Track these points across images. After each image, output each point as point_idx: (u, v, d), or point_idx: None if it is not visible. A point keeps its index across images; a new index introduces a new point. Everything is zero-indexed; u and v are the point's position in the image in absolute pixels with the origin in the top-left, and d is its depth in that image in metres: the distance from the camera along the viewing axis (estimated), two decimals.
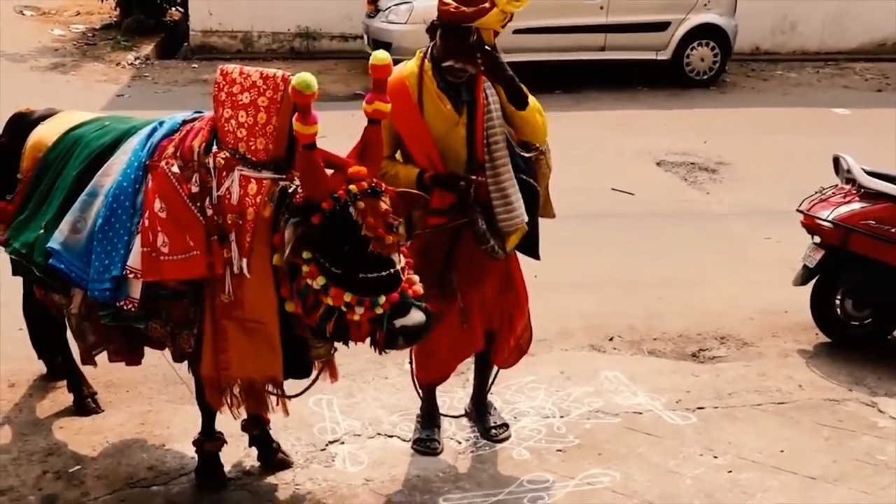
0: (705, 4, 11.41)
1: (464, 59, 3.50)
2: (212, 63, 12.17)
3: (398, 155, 3.73)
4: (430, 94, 3.60)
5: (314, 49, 12.92)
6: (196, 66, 12.22)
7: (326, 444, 4.08)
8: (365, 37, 11.84)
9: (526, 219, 3.73)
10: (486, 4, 3.47)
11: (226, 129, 3.29)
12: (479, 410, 4.22)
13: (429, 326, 3.19)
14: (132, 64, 12.32)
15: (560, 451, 4.10)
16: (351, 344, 3.37)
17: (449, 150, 3.63)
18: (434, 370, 4.02)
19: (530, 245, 3.90)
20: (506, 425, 4.19)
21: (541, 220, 3.95)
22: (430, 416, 4.16)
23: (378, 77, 3.19)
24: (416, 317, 3.12)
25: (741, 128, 9.66)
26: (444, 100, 3.61)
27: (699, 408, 4.47)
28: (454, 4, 3.47)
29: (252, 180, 3.22)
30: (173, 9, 14.64)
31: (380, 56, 3.21)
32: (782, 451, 4.12)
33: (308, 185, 3.10)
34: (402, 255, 3.20)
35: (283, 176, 3.23)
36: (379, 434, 4.19)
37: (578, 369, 4.79)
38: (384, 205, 3.09)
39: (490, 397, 4.30)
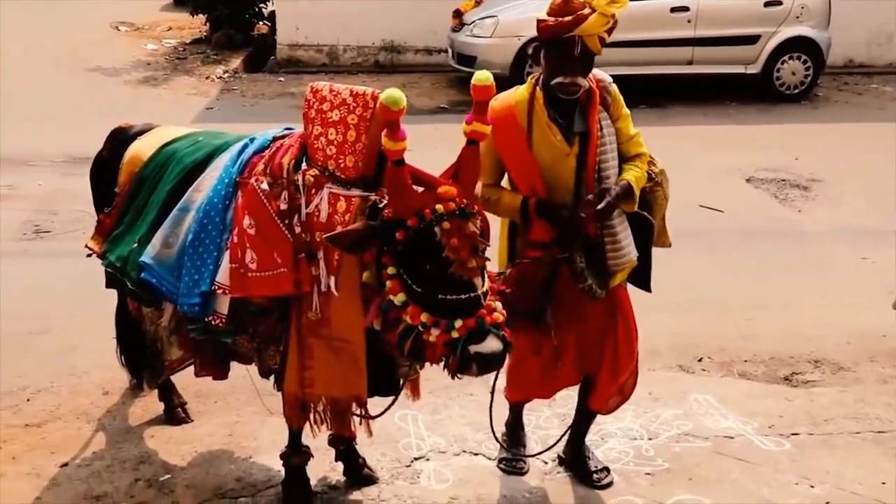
0: (798, 17, 11.14)
1: (572, 73, 3.38)
2: (298, 76, 12.40)
3: (505, 182, 3.65)
4: (539, 123, 3.48)
5: (398, 63, 13.04)
6: (283, 79, 12.44)
7: (412, 461, 4.07)
8: (449, 50, 11.90)
9: (635, 256, 3.61)
10: (585, 10, 3.34)
11: (315, 146, 3.31)
12: (576, 456, 4.00)
13: (504, 356, 3.08)
14: (221, 77, 12.60)
15: (649, 474, 4.01)
16: (428, 364, 3.32)
17: (557, 181, 3.50)
18: (525, 392, 3.95)
19: (642, 277, 3.77)
20: (607, 469, 3.97)
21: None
22: (516, 435, 4.10)
23: (480, 98, 3.09)
24: (491, 345, 3.01)
25: (834, 144, 9.38)
26: (554, 130, 3.48)
27: (793, 434, 4.32)
28: (552, 19, 3.38)
29: (341, 198, 3.22)
30: (261, 23, 14.97)
31: (482, 77, 3.09)
32: (884, 483, 3.95)
33: (395, 201, 3.07)
34: (486, 280, 3.12)
35: (372, 194, 3.22)
36: (464, 451, 4.15)
37: (667, 390, 4.68)
38: (472, 227, 3.02)
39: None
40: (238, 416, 4.40)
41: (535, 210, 3.47)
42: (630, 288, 3.81)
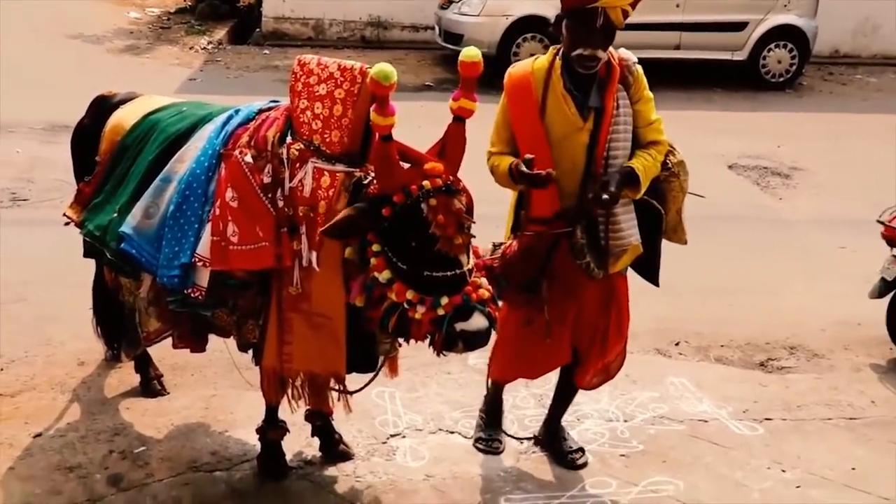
0: (785, 5, 11.18)
1: (592, 44, 3.29)
2: (283, 49, 12.30)
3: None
4: (555, 93, 3.41)
5: (385, 38, 12.96)
6: (267, 52, 12.35)
7: (388, 438, 4.07)
8: (437, 28, 11.84)
9: (636, 241, 3.53)
10: None
11: (301, 119, 3.28)
12: (553, 435, 4.01)
13: (490, 333, 3.08)
14: (205, 48, 12.49)
15: (623, 455, 4.03)
16: (413, 341, 3.32)
17: (566, 156, 3.42)
18: (512, 371, 3.91)
19: (650, 270, 3.70)
20: (582, 450, 3.98)
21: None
22: (494, 415, 4.09)
23: (467, 75, 3.06)
24: (477, 322, 3.01)
25: (817, 133, 9.43)
26: (568, 101, 3.40)
27: (767, 419, 4.36)
28: None
29: (325, 173, 3.20)
30: None
31: (470, 53, 3.07)
32: (854, 469, 3.99)
33: (382, 177, 3.05)
34: (471, 257, 3.12)
35: (357, 169, 3.20)
36: (440, 430, 4.16)
37: (644, 373, 4.71)
38: (458, 203, 3.01)
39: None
40: (215, 389, 4.39)
41: (516, 172, 3.33)
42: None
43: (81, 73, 10.15)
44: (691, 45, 11.10)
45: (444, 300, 2.98)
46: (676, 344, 5.11)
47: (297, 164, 3.23)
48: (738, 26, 11.18)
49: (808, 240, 6.72)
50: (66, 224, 3.88)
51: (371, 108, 2.97)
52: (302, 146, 3.25)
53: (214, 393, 4.36)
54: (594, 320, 3.70)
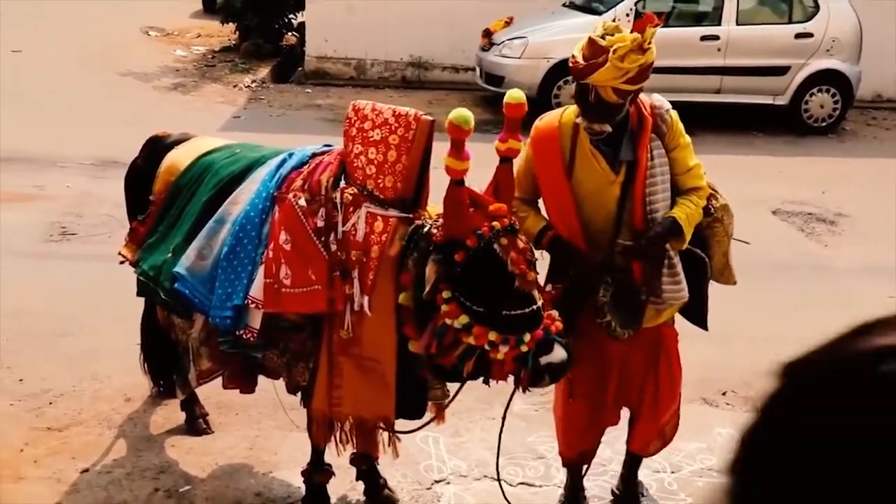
0: (828, 50, 11.10)
1: (589, 118, 3.23)
2: (325, 88, 12.44)
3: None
4: (583, 149, 3.36)
5: (425, 79, 13.06)
6: (310, 90, 12.49)
7: (432, 483, 4.04)
8: (477, 69, 11.91)
9: (685, 298, 3.45)
10: (600, 58, 3.14)
11: (355, 164, 3.30)
12: (627, 495, 3.93)
13: (571, 363, 3.12)
14: (249, 86, 12.66)
15: None
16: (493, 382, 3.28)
17: (598, 208, 3.38)
18: (572, 446, 3.79)
19: (698, 315, 3.66)
20: None
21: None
22: (575, 498, 3.91)
23: (512, 116, 3.11)
24: (559, 353, 3.06)
25: (861, 179, 9.32)
26: (597, 157, 3.35)
27: None
28: (577, 58, 3.24)
29: (378, 218, 3.22)
30: (290, 34, 15.03)
31: (515, 95, 3.13)
32: None
33: (452, 222, 3.06)
34: (540, 293, 3.14)
35: (409, 215, 3.22)
36: (485, 476, 4.12)
37: (691, 423, 4.60)
38: (521, 242, 3.06)
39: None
40: (259, 429, 4.39)
41: (548, 245, 3.37)
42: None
43: (130, 109, 10.33)
44: (733, 89, 11.06)
45: (527, 337, 3.00)
46: (723, 393, 5.04)
47: (351, 209, 3.25)
48: (781, 70, 11.13)
49: (856, 288, 6.61)
50: (122, 263, 3.92)
51: (447, 153, 3.02)
52: (356, 191, 3.27)
53: (259, 433, 4.36)
54: (641, 378, 3.61)
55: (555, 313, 3.13)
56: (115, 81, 12.27)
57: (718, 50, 11.02)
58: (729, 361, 5.36)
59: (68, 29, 15.05)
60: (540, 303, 3.07)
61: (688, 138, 3.47)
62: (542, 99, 10.47)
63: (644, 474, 4.18)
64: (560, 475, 4.11)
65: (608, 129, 3.26)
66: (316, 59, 13.27)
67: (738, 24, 11.02)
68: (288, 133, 9.07)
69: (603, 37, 3.19)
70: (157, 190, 3.86)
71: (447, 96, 12.29)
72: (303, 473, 3.75)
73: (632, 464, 3.92)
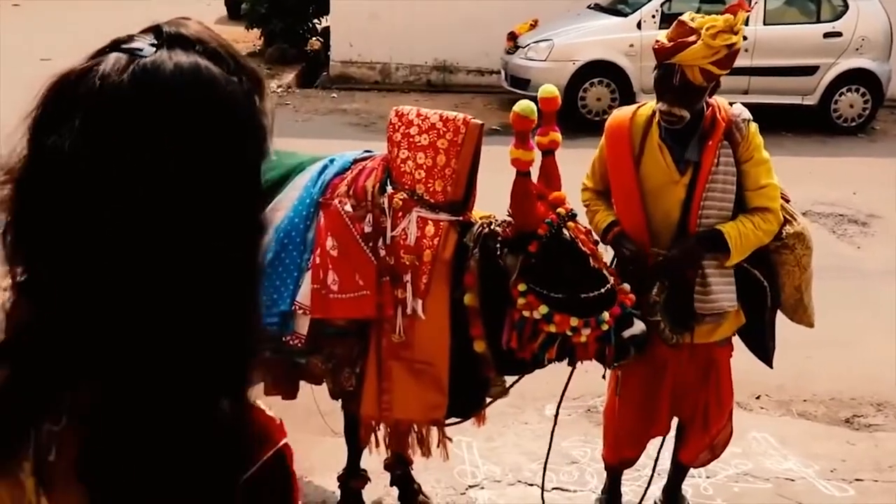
0: (857, 49, 11.00)
1: (668, 101, 3.21)
2: (351, 93, 12.47)
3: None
4: (651, 142, 3.34)
5: (450, 82, 13.07)
6: (335, 95, 12.53)
7: (466, 489, 4.04)
8: (502, 72, 11.91)
9: (728, 307, 3.36)
10: (690, 38, 3.14)
11: (402, 169, 3.30)
12: (670, 502, 3.91)
13: (651, 333, 3.16)
14: (274, 91, 12.71)
15: None
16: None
17: (660, 208, 3.35)
18: (616, 450, 3.77)
19: (761, 347, 3.57)
20: None
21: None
22: (613, 503, 3.90)
23: (547, 109, 3.14)
24: (639, 325, 3.10)
25: (893, 179, 9.19)
26: (664, 152, 3.31)
27: (857, 479, 4.23)
28: (661, 40, 3.24)
29: (430, 222, 3.23)
30: (314, 39, 15.10)
31: (549, 89, 3.17)
32: None
33: (521, 214, 3.09)
34: (609, 272, 3.17)
35: (460, 218, 3.22)
36: (519, 482, 4.12)
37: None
38: (582, 226, 3.16)
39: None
40: (292, 435, 4.37)
41: (612, 240, 3.39)
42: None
43: None
44: (761, 89, 10.98)
45: (606, 315, 3.04)
46: (757, 397, 4.99)
47: (400, 214, 3.26)
48: (809, 70, 11.05)
49: (888, 290, 6.53)
50: None
51: (511, 145, 3.05)
52: (405, 196, 3.27)
53: (292, 439, 4.35)
54: (693, 393, 3.56)
55: (626, 287, 3.16)
56: None
57: (746, 50, 10.89)
58: (761, 365, 5.26)
59: (96, 37, 15.03)
60: (612, 280, 3.10)
61: (766, 155, 3.35)
62: (567, 101, 10.44)
63: None
64: (594, 480, 4.09)
65: (687, 115, 3.23)
66: (341, 63, 13.32)
67: (765, 24, 10.95)
68: (315, 138, 9.08)
69: (692, 19, 3.22)
70: None
71: (472, 99, 12.29)
72: (338, 479, 3.75)
73: (677, 473, 3.88)
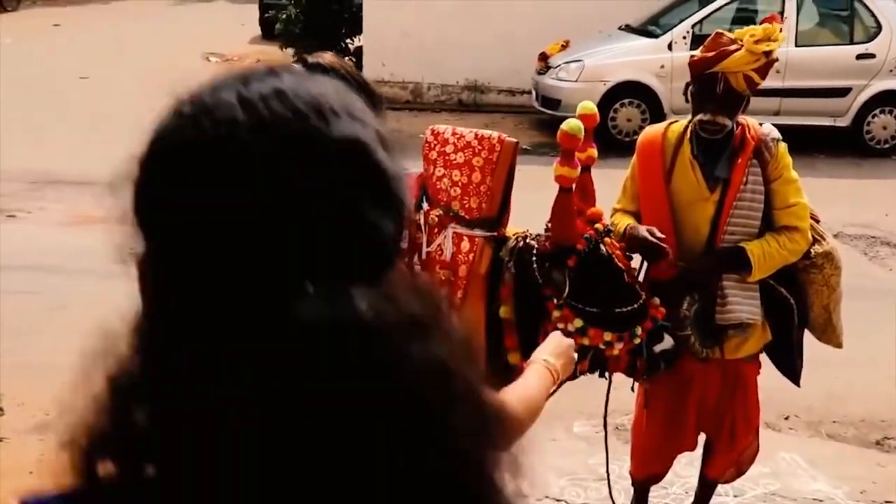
0: (891, 70, 10.95)
1: (712, 110, 3.25)
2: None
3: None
4: (683, 159, 3.38)
5: (481, 102, 13.16)
6: None
7: None
8: (534, 92, 11.98)
9: (746, 318, 3.35)
10: (732, 47, 3.22)
11: (438, 186, 3.37)
12: None
13: (680, 347, 3.22)
14: None
15: None
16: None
17: (689, 225, 3.37)
18: (643, 466, 3.79)
19: (788, 366, 3.59)
20: None
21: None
22: None
23: (587, 126, 3.19)
24: (669, 339, 3.17)
25: None
26: (695, 169, 3.35)
27: (887, 501, 4.21)
28: (699, 54, 3.33)
29: (465, 238, 3.29)
30: (347, 58, 15.26)
31: (588, 105, 3.29)
32: None
33: (561, 229, 3.16)
34: (641, 287, 3.24)
35: (494, 233, 3.28)
36: (547, 497, 4.14)
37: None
38: (616, 241, 3.24)
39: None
40: None
41: (628, 235, 3.31)
42: None
43: None
44: (792, 110, 10.94)
45: (639, 330, 3.11)
46: (786, 418, 4.99)
47: (436, 230, 3.32)
48: (841, 92, 11.01)
49: None
50: None
51: (556, 162, 3.13)
52: (441, 212, 3.34)
53: None
54: (719, 409, 3.56)
55: (656, 300, 3.21)
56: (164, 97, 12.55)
57: (777, 71, 10.89)
58: (792, 385, 5.27)
59: (133, 56, 15.49)
60: (644, 295, 3.16)
61: (795, 175, 3.39)
62: (598, 123, 10.46)
63: None
64: (622, 497, 4.10)
65: (729, 125, 3.28)
66: (373, 83, 13.38)
67: (797, 45, 10.94)
68: None
69: (730, 30, 3.32)
70: None
71: (503, 119, 12.37)
72: None
73: (703, 490, 3.88)
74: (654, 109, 10.88)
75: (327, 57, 1.60)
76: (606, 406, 3.45)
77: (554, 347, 2.03)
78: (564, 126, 3.06)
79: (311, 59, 1.63)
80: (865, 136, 11.08)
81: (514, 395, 1.80)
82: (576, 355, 2.43)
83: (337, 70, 1.60)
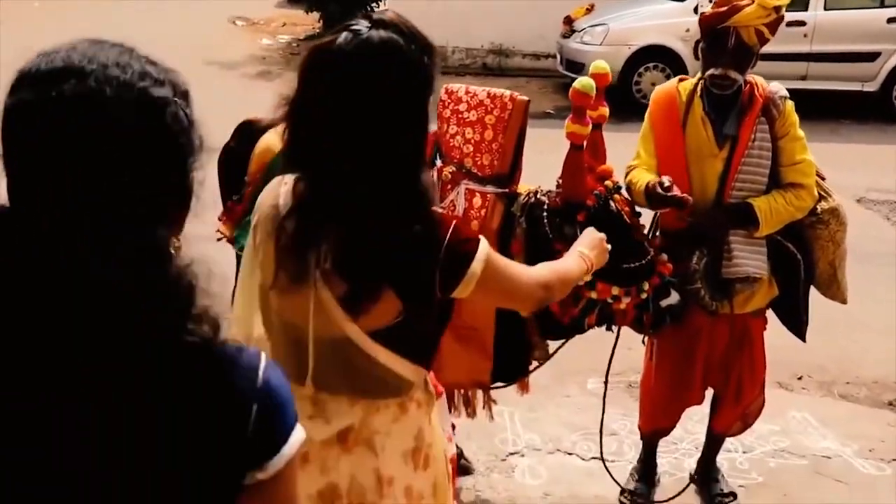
0: None
1: (724, 64, 3.30)
2: None
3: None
4: (694, 115, 3.43)
5: (506, 66, 13.16)
6: None
7: (507, 455, 4.18)
8: (558, 56, 11.97)
9: (753, 272, 3.40)
10: (744, 1, 3.26)
11: (451, 144, 3.44)
12: (705, 476, 3.95)
13: (687, 301, 3.30)
14: None
15: (742, 486, 4.02)
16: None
17: (699, 181, 3.42)
18: (652, 420, 3.85)
19: (795, 321, 3.64)
20: (733, 494, 3.89)
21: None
22: (647, 471, 3.98)
23: (599, 84, 3.22)
24: (675, 295, 3.24)
25: None
26: (706, 125, 3.40)
27: (895, 459, 4.27)
28: (709, 10, 3.36)
29: (477, 194, 3.36)
30: None
31: (600, 65, 3.31)
32: None
33: (572, 186, 3.21)
34: (648, 242, 3.29)
35: (506, 190, 3.35)
36: (558, 450, 4.24)
37: (765, 406, 4.62)
38: (625, 197, 3.30)
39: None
40: None
41: (648, 191, 3.29)
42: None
43: (217, 97, 10.60)
44: (819, 75, 10.87)
45: (646, 285, 3.18)
46: (799, 378, 5.04)
47: (449, 186, 3.40)
48: (870, 56, 10.90)
49: None
50: (219, 240, 4.14)
51: (568, 119, 3.18)
52: (454, 169, 3.41)
53: None
54: (726, 363, 3.62)
55: (664, 257, 3.27)
56: (203, 71, 12.66)
57: (805, 36, 10.83)
58: (804, 346, 5.29)
59: (158, 21, 15.56)
60: (652, 252, 3.23)
61: (801, 133, 3.43)
62: (623, 86, 10.47)
63: None
64: (632, 452, 4.20)
65: (740, 79, 3.33)
66: None
67: (825, 9, 10.82)
68: None
69: None
70: (252, 171, 4.03)
71: (528, 83, 12.37)
72: None
73: (711, 444, 3.95)
74: (678, 73, 10.70)
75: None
76: (611, 360, 3.52)
77: (589, 241, 2.55)
78: (576, 84, 3.12)
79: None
80: (894, 101, 10.97)
81: (550, 266, 2.36)
82: (608, 246, 2.61)
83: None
